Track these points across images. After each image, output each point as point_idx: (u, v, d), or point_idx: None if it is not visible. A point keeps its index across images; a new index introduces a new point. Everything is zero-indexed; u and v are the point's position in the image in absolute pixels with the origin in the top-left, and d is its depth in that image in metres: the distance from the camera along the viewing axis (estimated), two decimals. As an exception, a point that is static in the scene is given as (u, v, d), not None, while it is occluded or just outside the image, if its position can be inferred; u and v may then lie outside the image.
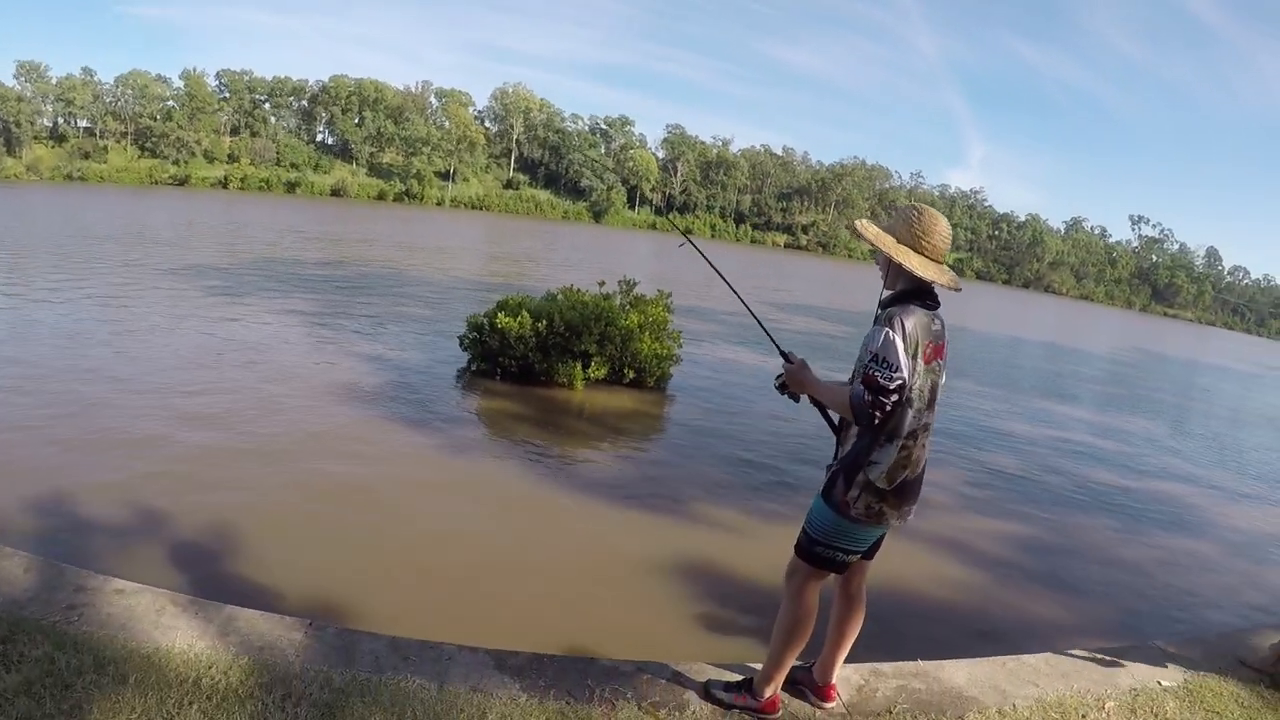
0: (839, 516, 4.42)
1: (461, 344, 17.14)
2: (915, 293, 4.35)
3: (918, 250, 4.33)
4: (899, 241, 4.37)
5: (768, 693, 4.75)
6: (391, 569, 8.24)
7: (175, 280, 24.68)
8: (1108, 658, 6.28)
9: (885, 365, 4.10)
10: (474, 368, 16.89)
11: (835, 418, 4.63)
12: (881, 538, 4.71)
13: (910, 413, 4.26)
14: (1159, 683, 5.98)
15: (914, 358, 4.19)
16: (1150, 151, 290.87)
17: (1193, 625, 9.46)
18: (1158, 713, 5.51)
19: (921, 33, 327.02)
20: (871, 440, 4.30)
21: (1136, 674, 6.06)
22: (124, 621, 4.73)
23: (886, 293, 4.49)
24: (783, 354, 4.69)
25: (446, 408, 14.39)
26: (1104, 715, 5.41)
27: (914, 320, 4.21)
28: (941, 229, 4.39)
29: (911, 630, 8.24)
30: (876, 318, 4.35)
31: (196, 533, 8.34)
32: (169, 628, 4.73)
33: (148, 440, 10.90)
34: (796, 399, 4.60)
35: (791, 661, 4.74)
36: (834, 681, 5.03)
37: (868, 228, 4.48)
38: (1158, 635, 7.86)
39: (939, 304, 4.44)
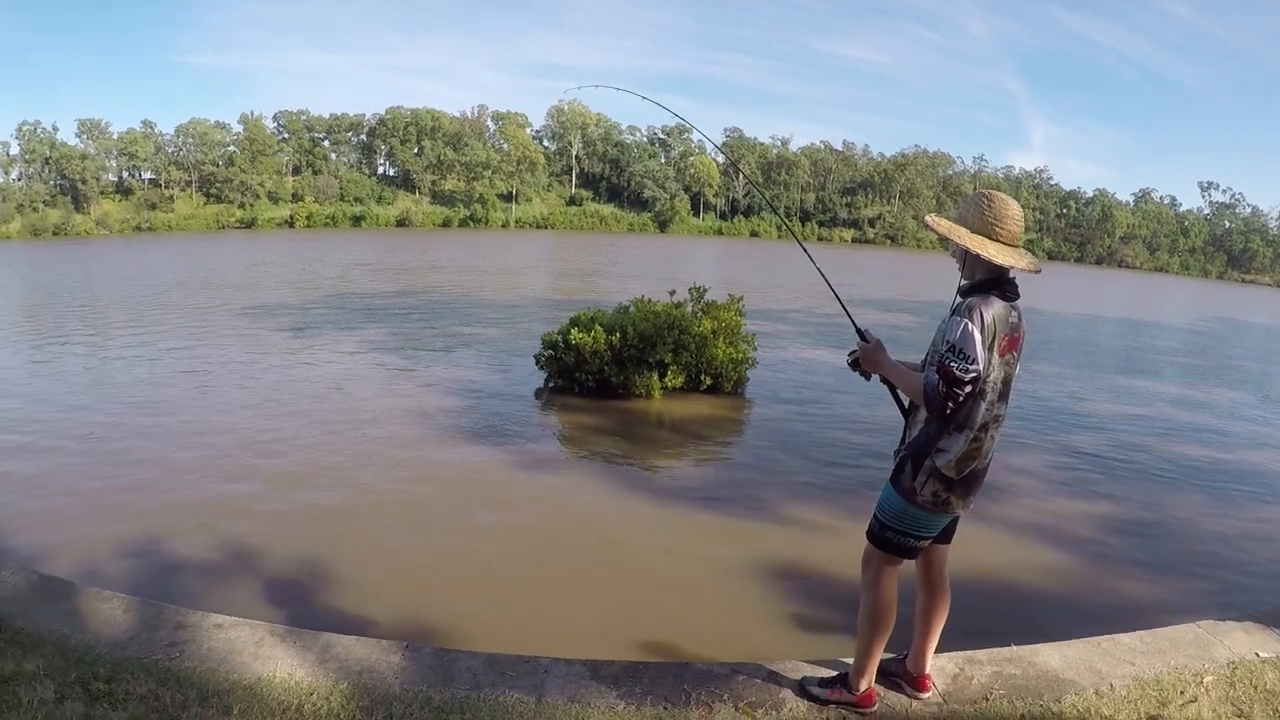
0: (907, 503, 4.40)
1: (538, 362, 17.25)
2: (994, 282, 4.30)
3: (993, 238, 4.28)
4: (973, 231, 4.31)
5: (862, 686, 4.72)
6: (484, 588, 8.31)
7: (249, 322, 25.05)
8: (1203, 633, 6.16)
9: (962, 356, 4.06)
10: (551, 385, 16.99)
11: (905, 400, 4.62)
12: (955, 522, 4.70)
13: (983, 405, 4.21)
14: (1257, 654, 5.85)
15: (990, 350, 4.15)
16: (1214, 116, 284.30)
17: None
18: (1257, 684, 5.41)
19: (972, 15, 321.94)
20: (940, 428, 4.28)
21: (1233, 647, 5.94)
22: (224, 655, 4.79)
23: (964, 282, 4.42)
24: (859, 332, 4.67)
25: (527, 427, 14.44)
26: (1203, 690, 5.30)
27: (993, 312, 4.16)
28: (1013, 212, 4.33)
29: (1004, 617, 8.19)
30: (955, 307, 4.28)
31: (290, 566, 8.45)
32: (269, 658, 4.79)
33: (233, 478, 11.08)
34: (867, 377, 4.59)
35: (880, 651, 4.71)
36: (928, 671, 4.99)
37: (939, 223, 4.42)
38: (1253, 608, 7.73)
39: (1018, 294, 4.38)
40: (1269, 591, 9.56)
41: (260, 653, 4.85)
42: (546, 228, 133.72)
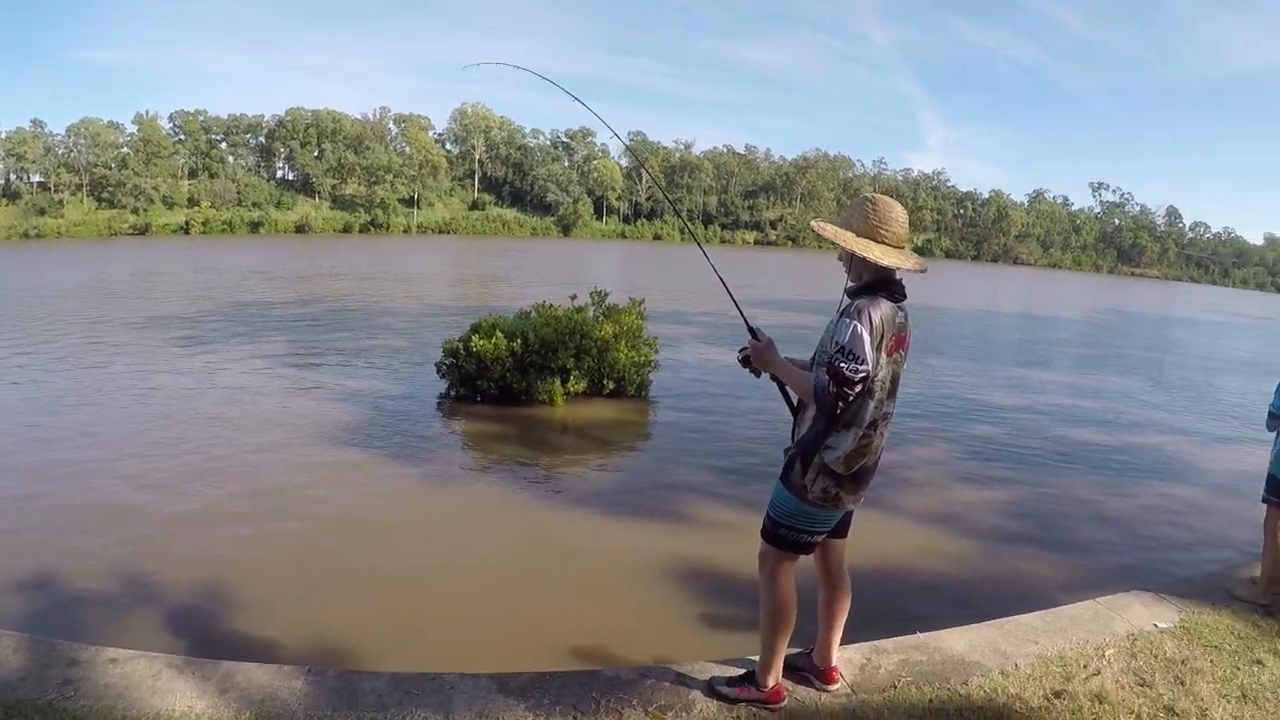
0: (798, 500, 4.47)
1: (439, 370, 17.09)
2: (881, 283, 4.40)
3: (878, 240, 4.37)
4: (858, 234, 4.40)
5: (770, 682, 4.80)
6: (387, 605, 8.19)
7: (142, 334, 24.46)
8: (1103, 609, 6.49)
9: (851, 357, 4.14)
10: (453, 393, 16.85)
11: (794, 399, 4.70)
12: (850, 516, 4.81)
13: (871, 403, 4.30)
14: (1155, 625, 6.20)
15: (878, 350, 4.24)
16: (1104, 119, 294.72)
17: (1187, 568, 9.69)
18: (1157, 654, 5.72)
19: (872, 22, 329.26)
20: (828, 425, 4.35)
21: (1133, 620, 6.28)
22: (121, 690, 4.66)
23: (851, 284, 4.51)
24: (751, 330, 4.71)
25: (429, 437, 14.31)
26: (1105, 663, 5.56)
27: (880, 313, 4.25)
28: (898, 215, 4.43)
29: (910, 607, 8.37)
30: (843, 309, 4.36)
31: (188, 593, 8.25)
32: (167, 691, 4.67)
33: (128, 504, 10.74)
34: (758, 374, 4.68)
35: (783, 647, 4.78)
36: (835, 663, 5.09)
37: (825, 227, 4.52)
38: (1151, 582, 7.99)
39: (904, 295, 4.49)
40: (1164, 564, 10.10)
41: (158, 686, 4.72)
42: (449, 233, 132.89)
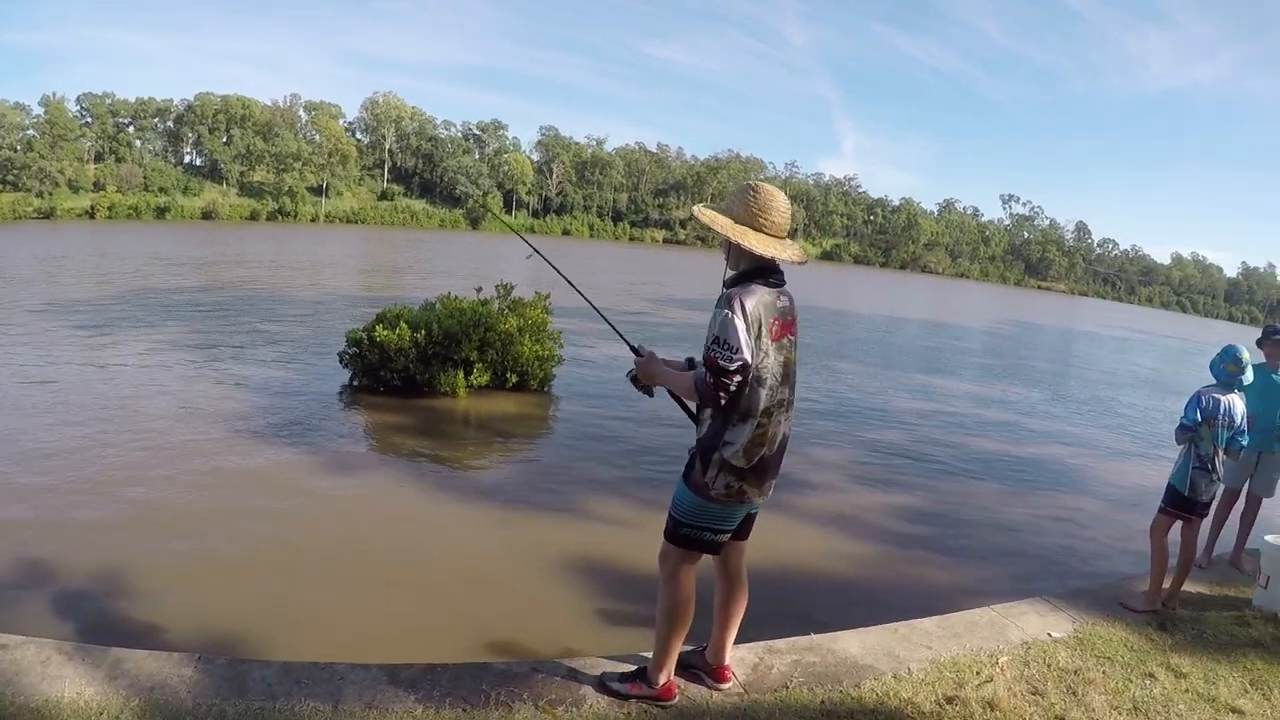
0: (700, 498, 4.48)
1: (341, 360, 16.96)
2: (758, 271, 4.41)
3: (756, 229, 4.40)
4: (737, 222, 4.42)
5: (661, 679, 4.83)
6: (278, 594, 8.15)
7: (42, 320, 23.81)
8: (998, 616, 6.57)
9: (725, 347, 4.15)
10: (356, 383, 16.75)
11: (691, 405, 4.70)
12: (752, 517, 4.81)
13: (764, 391, 4.33)
14: (1049, 634, 6.29)
15: (758, 337, 4.25)
16: (1019, 132, 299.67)
17: (1083, 578, 9.81)
18: (1050, 663, 5.79)
19: (793, 25, 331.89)
20: (724, 421, 4.36)
21: (1027, 628, 6.36)
22: (10, 676, 4.63)
23: (730, 273, 4.53)
24: (632, 348, 4.81)
25: (329, 427, 14.18)
26: (998, 670, 5.62)
27: (755, 300, 4.27)
28: (779, 204, 4.46)
29: (806, 607, 8.39)
30: (718, 299, 4.35)
31: (80, 580, 8.13)
32: (56, 678, 4.65)
33: (19, 491, 10.53)
34: (650, 393, 4.69)
35: (679, 645, 4.81)
36: (728, 662, 5.13)
37: (703, 212, 4.54)
38: (1044, 590, 8.15)
39: (783, 281, 4.52)
40: (1061, 573, 10.20)
41: (48, 672, 4.70)
42: (357, 222, 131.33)
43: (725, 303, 4.26)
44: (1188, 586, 7.59)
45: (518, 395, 16.96)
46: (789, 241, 4.51)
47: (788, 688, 5.13)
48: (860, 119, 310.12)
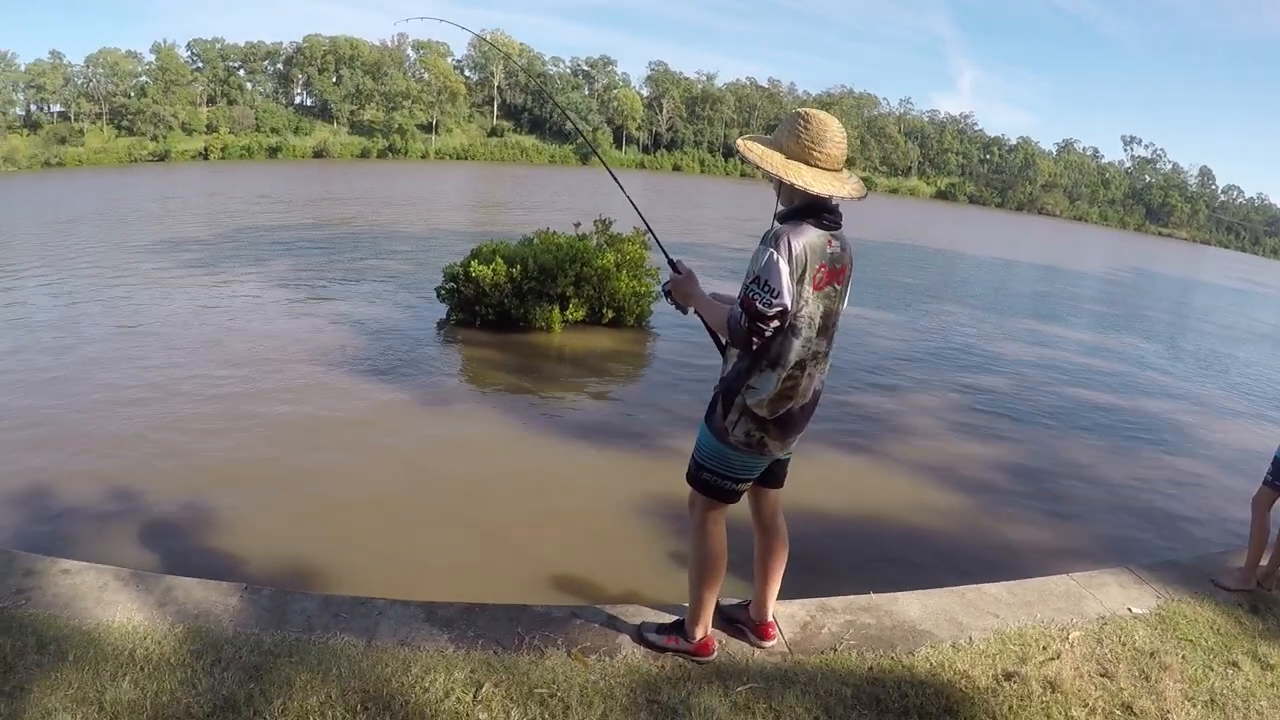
0: (719, 442, 4.19)
1: (439, 295, 17.10)
2: (810, 209, 3.95)
3: (809, 163, 3.93)
4: (788, 157, 3.95)
5: (698, 634, 4.59)
6: (360, 526, 8.22)
7: (157, 258, 24.57)
8: (1076, 585, 6.06)
9: (766, 289, 3.77)
10: (453, 318, 16.86)
11: (722, 338, 4.30)
12: (784, 464, 4.56)
13: (798, 341, 3.96)
14: (1129, 609, 5.74)
15: (801, 282, 3.85)
16: (1142, 72, 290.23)
17: (1179, 545, 9.38)
18: (1125, 642, 5.28)
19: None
20: (751, 365, 4.03)
21: (1106, 601, 5.83)
22: (69, 600, 4.72)
23: (781, 208, 4.09)
24: (671, 263, 4.45)
25: (424, 361, 14.30)
26: (1067, 646, 5.16)
27: (804, 241, 3.84)
28: (833, 134, 3.94)
29: (886, 559, 8.24)
30: (764, 236, 3.94)
31: (166, 508, 8.35)
32: (111, 603, 4.71)
33: (123, 419, 10.86)
34: (684, 310, 4.39)
35: (713, 598, 4.57)
36: (770, 619, 4.87)
37: (751, 148, 4.03)
38: (1134, 559, 7.79)
39: (839, 223, 4.07)
40: (1156, 539, 9.71)
41: (104, 598, 4.77)
42: (467, 159, 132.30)
43: (771, 240, 3.84)
44: (1291, 568, 7.04)
45: (614, 331, 16.91)
46: (846, 174, 4.04)
47: (836, 650, 4.82)
48: (976, 55, 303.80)
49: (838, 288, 4.11)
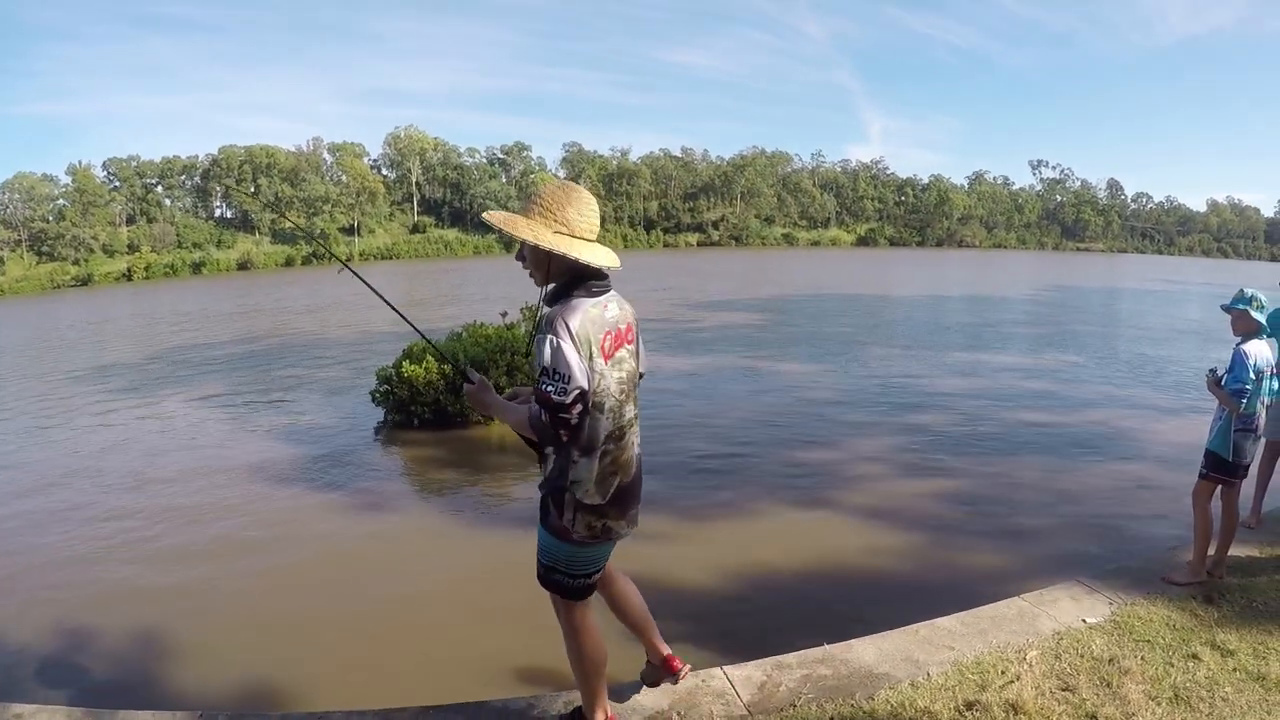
0: (563, 542, 4.10)
1: (373, 399, 17.00)
2: (576, 281, 3.93)
3: (576, 235, 3.89)
4: (555, 231, 3.87)
5: (599, 717, 4.50)
6: (321, 638, 8.18)
7: (88, 385, 24.36)
8: (1029, 605, 6.20)
9: (558, 378, 3.69)
10: (389, 420, 16.76)
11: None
12: None
13: (604, 418, 3.93)
14: (1084, 621, 5.91)
15: (590, 358, 3.80)
16: (1042, 98, 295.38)
17: (1131, 546, 9.65)
18: (1083, 653, 5.41)
19: (806, 17, 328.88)
20: (567, 457, 3.95)
21: (1060, 616, 5.99)
22: (22, 745, 4.58)
23: (547, 290, 4.01)
24: (462, 374, 4.25)
25: (363, 466, 14.23)
26: (1026, 667, 5.27)
27: (580, 316, 3.81)
28: (586, 203, 3.95)
29: (838, 610, 8.28)
30: (538, 323, 3.93)
31: (115, 640, 8.21)
32: (65, 744, 4.59)
33: (57, 551, 10.73)
34: (489, 419, 4.33)
35: (603, 684, 4.51)
36: (668, 652, 4.90)
37: (495, 216, 3.93)
38: (1085, 570, 7.89)
39: (608, 286, 4.06)
40: (1106, 547, 9.94)
41: (56, 741, 4.65)
42: (392, 258, 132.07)
43: (547, 326, 3.79)
44: (1235, 551, 7.18)
45: (551, 417, 16.68)
46: (600, 246, 4.02)
47: (795, 705, 4.86)
48: (883, 103, 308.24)
49: (629, 348, 4.12)
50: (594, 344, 3.81)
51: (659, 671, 4.91)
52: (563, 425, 3.74)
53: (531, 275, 4.03)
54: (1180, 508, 10.45)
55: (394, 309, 4.64)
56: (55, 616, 8.81)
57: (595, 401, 3.87)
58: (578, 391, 3.70)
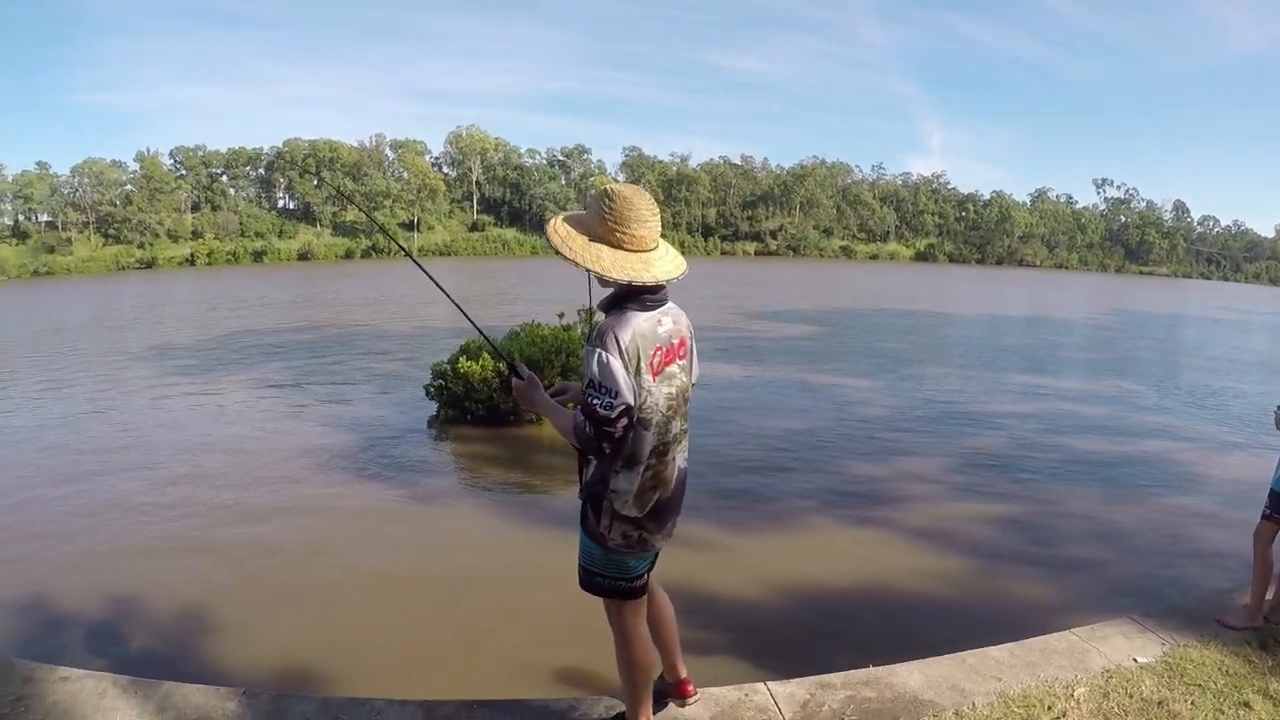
0: (600, 548, 4.14)
1: (427, 393, 17.15)
2: (630, 294, 3.89)
3: (614, 245, 3.84)
4: (591, 239, 3.86)
5: None
6: (369, 626, 8.23)
7: (147, 365, 24.83)
8: (1079, 640, 6.02)
9: (604, 391, 3.70)
10: (443, 415, 16.88)
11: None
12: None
13: (649, 433, 3.92)
14: (1134, 660, 5.71)
15: (638, 374, 3.80)
16: (1107, 114, 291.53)
17: (1185, 587, 9.37)
18: (1132, 693, 5.24)
19: (867, 25, 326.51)
20: (609, 467, 3.97)
21: (1110, 654, 5.80)
22: (68, 708, 4.75)
23: (604, 295, 4.03)
24: (512, 369, 4.24)
25: (416, 459, 14.31)
26: (1073, 703, 5.13)
27: (631, 331, 3.80)
28: (640, 213, 3.86)
29: (891, 629, 8.20)
30: (589, 335, 3.95)
31: (164, 614, 8.33)
32: (110, 710, 4.75)
33: (111, 526, 10.90)
34: (538, 416, 4.34)
35: (648, 692, 4.51)
36: (684, 675, 4.92)
37: (557, 229, 3.92)
38: (1138, 607, 7.78)
39: (664, 299, 4.04)
40: (1162, 583, 9.67)
41: (103, 704, 4.80)
42: (450, 255, 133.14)
43: (598, 339, 3.79)
44: (1297, 599, 6.96)
45: (604, 420, 16.69)
46: (659, 253, 3.98)
47: None
48: (944, 114, 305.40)
49: (680, 364, 4.11)
50: (643, 359, 3.82)
51: (669, 689, 4.93)
52: (606, 439, 3.76)
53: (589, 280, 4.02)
54: (1239, 548, 10.14)
55: (454, 303, 4.65)
56: (101, 589, 8.95)
57: (641, 417, 3.87)
58: (623, 407, 3.72)
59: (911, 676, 5.44)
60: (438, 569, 9.83)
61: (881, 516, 11.50)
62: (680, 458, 4.18)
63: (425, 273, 4.62)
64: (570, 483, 12.81)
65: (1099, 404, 21.44)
